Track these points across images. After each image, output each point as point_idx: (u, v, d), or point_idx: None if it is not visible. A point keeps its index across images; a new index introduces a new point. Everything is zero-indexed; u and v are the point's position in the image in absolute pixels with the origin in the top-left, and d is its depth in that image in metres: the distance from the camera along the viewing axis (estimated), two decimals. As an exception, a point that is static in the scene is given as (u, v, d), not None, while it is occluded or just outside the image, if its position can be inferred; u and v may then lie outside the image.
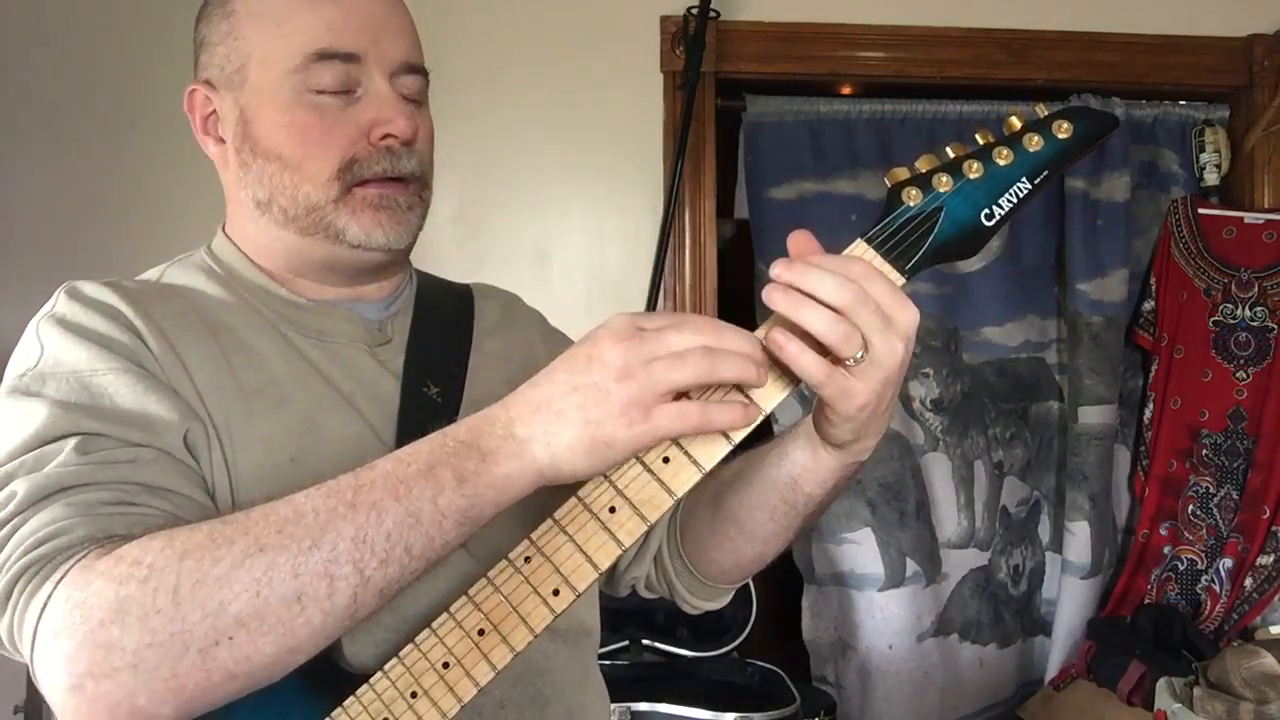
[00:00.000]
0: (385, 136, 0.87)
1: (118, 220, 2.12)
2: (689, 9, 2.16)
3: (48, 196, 2.13)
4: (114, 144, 2.13)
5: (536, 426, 0.69)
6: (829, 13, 2.25)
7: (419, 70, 0.91)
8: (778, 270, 0.70)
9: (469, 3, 2.19)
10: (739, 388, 0.71)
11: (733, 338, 0.69)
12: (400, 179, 0.89)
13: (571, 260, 2.24)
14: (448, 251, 2.17)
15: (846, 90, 2.44)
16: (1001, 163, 0.74)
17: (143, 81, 2.10)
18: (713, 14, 2.15)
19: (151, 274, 0.94)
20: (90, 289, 0.85)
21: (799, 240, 0.73)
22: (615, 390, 0.67)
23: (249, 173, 0.90)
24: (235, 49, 0.89)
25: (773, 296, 0.70)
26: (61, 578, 0.67)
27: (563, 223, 2.24)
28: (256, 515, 0.69)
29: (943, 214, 0.74)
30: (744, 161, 2.31)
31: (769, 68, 2.26)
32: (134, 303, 0.84)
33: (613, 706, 1.71)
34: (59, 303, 0.84)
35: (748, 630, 2.13)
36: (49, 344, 0.81)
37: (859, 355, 0.70)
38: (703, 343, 0.68)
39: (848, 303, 0.69)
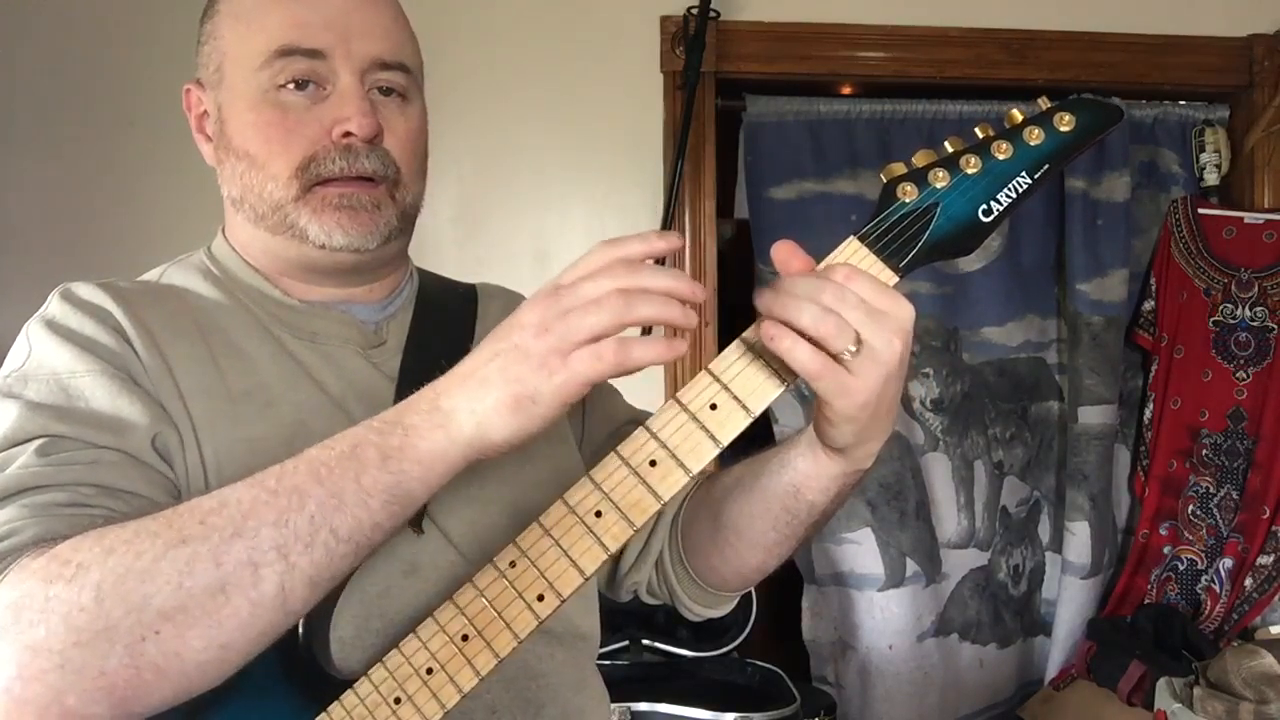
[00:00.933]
0: (346, 134, 0.86)
1: (117, 220, 2.12)
2: (689, 9, 2.15)
3: (47, 196, 2.13)
4: (113, 143, 2.12)
5: (460, 397, 0.68)
6: (829, 13, 2.24)
7: (397, 67, 0.90)
8: (764, 302, 0.70)
9: (468, 2, 2.19)
10: (730, 385, 0.70)
11: (650, 276, 0.68)
12: (366, 178, 0.88)
13: (571, 260, 2.22)
14: (448, 252, 2.17)
15: (846, 90, 2.43)
16: (1000, 157, 0.72)
17: (142, 80, 2.10)
18: (713, 14, 2.15)
19: (152, 274, 0.94)
20: (83, 291, 0.85)
21: (781, 250, 0.72)
22: (533, 345, 0.67)
23: (224, 170, 0.91)
24: (215, 48, 0.90)
25: (762, 298, 0.70)
26: (2, 579, 0.67)
27: (563, 223, 2.23)
28: (183, 509, 0.68)
29: (939, 210, 0.72)
30: (744, 161, 2.31)
31: (769, 68, 2.25)
32: (125, 304, 0.84)
33: (613, 706, 1.71)
34: (51, 305, 0.85)
35: (748, 630, 2.12)
36: (36, 346, 0.82)
37: (852, 349, 0.69)
38: (617, 286, 0.68)
39: (828, 300, 0.68)
